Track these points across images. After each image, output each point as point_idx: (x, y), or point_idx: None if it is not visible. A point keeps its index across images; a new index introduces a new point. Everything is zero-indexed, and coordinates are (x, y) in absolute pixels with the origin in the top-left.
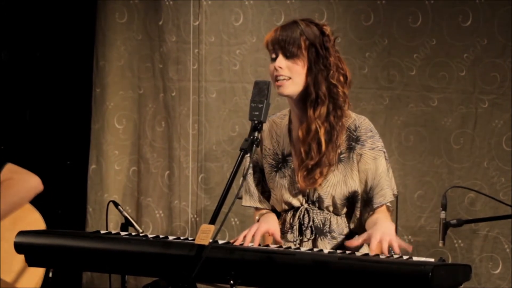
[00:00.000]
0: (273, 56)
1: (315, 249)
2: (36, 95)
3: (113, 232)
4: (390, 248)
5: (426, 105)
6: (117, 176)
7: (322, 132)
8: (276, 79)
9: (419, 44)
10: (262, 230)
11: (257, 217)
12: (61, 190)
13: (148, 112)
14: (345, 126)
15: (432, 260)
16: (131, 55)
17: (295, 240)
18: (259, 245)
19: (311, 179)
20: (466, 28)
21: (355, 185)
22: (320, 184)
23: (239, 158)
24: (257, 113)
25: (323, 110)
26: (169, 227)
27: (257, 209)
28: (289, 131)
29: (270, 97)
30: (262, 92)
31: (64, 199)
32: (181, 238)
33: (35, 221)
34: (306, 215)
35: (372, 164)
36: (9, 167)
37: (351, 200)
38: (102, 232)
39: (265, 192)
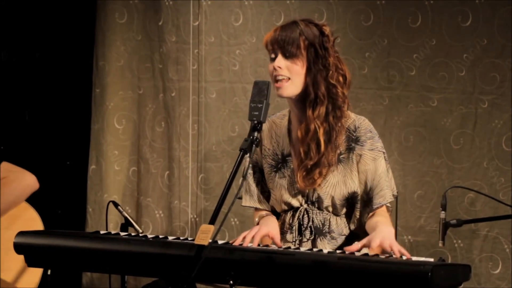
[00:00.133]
0: (272, 56)
1: (314, 249)
2: (36, 96)
3: (113, 232)
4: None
5: (426, 105)
6: (117, 176)
7: (321, 133)
8: (275, 79)
9: (418, 45)
10: (262, 233)
11: (256, 219)
12: (61, 190)
13: (148, 112)
14: (345, 126)
15: (432, 260)
16: (131, 56)
17: (294, 240)
18: (259, 245)
19: (310, 180)
20: (466, 28)
21: (354, 185)
22: (320, 185)
23: (239, 158)
24: (256, 113)
25: (322, 110)
26: (168, 227)
27: (256, 209)
28: (289, 131)
29: (270, 97)
30: (261, 92)
31: (63, 199)
32: (181, 238)
33: (32, 218)
34: (305, 216)
35: (372, 165)
36: (4, 166)
37: (350, 200)
38: (101, 232)
39: (264, 192)
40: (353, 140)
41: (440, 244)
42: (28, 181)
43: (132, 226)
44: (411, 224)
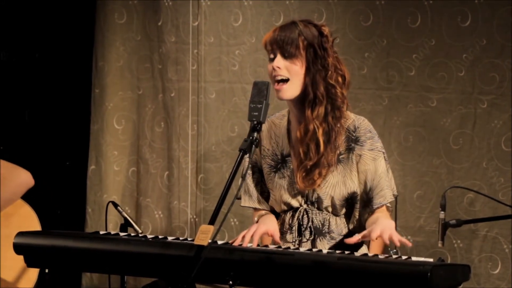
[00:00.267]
0: (271, 56)
1: (314, 250)
2: (35, 96)
3: (112, 232)
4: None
5: (425, 105)
6: (116, 177)
7: (320, 133)
8: (274, 79)
9: (418, 45)
10: (261, 231)
11: (256, 218)
12: (60, 191)
13: (147, 112)
14: (344, 127)
15: (431, 260)
16: (130, 56)
17: (294, 240)
18: (258, 245)
19: (310, 180)
20: (465, 28)
21: (354, 186)
22: (319, 185)
23: (238, 159)
24: (256, 113)
25: (321, 110)
26: (168, 228)
27: (256, 209)
28: (288, 131)
29: (269, 97)
30: (261, 92)
31: (63, 200)
32: (180, 238)
33: (27, 215)
34: (305, 216)
35: (372, 165)
36: None
37: (350, 201)
38: (101, 232)
39: (264, 193)
40: (353, 140)
41: (440, 244)
42: (23, 178)
43: (132, 226)
44: (411, 224)
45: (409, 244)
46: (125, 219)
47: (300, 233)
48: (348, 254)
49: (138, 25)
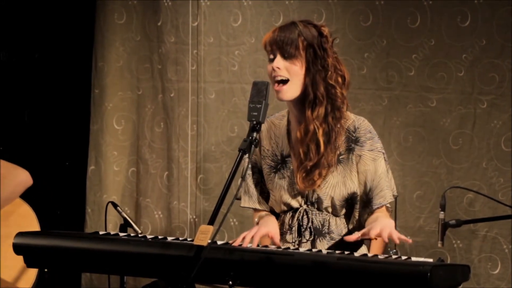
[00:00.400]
0: (271, 56)
1: (314, 250)
2: (35, 96)
3: (112, 233)
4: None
5: (425, 105)
6: (116, 177)
7: (320, 133)
8: (274, 79)
9: (417, 45)
10: (261, 233)
11: (256, 219)
12: (60, 191)
13: (147, 113)
14: (344, 127)
15: (431, 260)
16: (130, 56)
17: (294, 241)
18: (258, 245)
19: (310, 181)
20: (465, 28)
21: (354, 186)
22: (319, 186)
23: (238, 159)
24: (255, 113)
25: (321, 111)
26: (168, 228)
27: (256, 210)
28: (288, 132)
29: (269, 97)
30: (260, 92)
31: (63, 200)
32: (180, 238)
33: (26, 214)
34: (305, 216)
35: (372, 165)
36: None
37: (350, 201)
38: (101, 233)
39: (264, 193)
40: (353, 141)
41: (439, 245)
42: (22, 177)
43: (131, 226)
44: (410, 224)
45: (409, 240)
46: (125, 219)
47: (300, 234)
48: (347, 254)
49: (137, 26)
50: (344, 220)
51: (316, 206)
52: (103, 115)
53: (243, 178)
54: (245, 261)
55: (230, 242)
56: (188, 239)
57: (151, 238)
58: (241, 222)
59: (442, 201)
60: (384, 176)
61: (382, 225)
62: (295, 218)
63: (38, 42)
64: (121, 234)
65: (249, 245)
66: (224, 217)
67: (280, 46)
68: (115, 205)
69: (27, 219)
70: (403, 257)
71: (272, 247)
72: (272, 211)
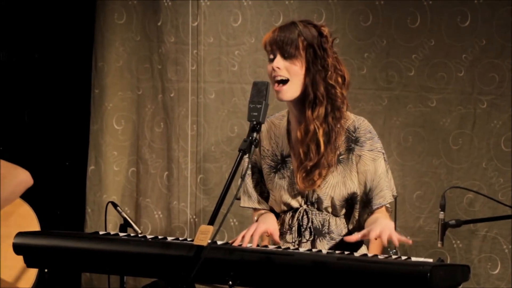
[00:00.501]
0: (271, 56)
1: (313, 250)
2: (35, 96)
3: (112, 233)
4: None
5: (425, 105)
6: (116, 177)
7: (320, 133)
8: (274, 79)
9: (417, 45)
10: (260, 230)
11: (255, 218)
12: (60, 191)
13: (147, 113)
14: (344, 127)
15: (431, 260)
16: (130, 56)
17: (294, 241)
18: (258, 245)
19: (310, 181)
20: (465, 28)
21: (354, 186)
22: (319, 186)
23: (238, 159)
24: (255, 113)
25: (321, 111)
26: (168, 228)
27: (255, 210)
28: (288, 132)
29: (269, 97)
30: (260, 93)
31: (63, 200)
32: (180, 238)
33: (26, 214)
34: (305, 216)
35: (371, 166)
36: None
37: (350, 201)
38: (101, 233)
39: (263, 193)
40: (353, 141)
41: (439, 245)
42: (22, 177)
43: (131, 226)
44: (410, 224)
45: (409, 241)
46: (125, 219)
47: (300, 234)
48: (347, 254)
49: (137, 26)
50: (344, 220)
51: (316, 206)
52: (103, 115)
53: (243, 178)
54: (245, 261)
55: (230, 242)
56: (188, 239)
57: (151, 238)
58: (241, 222)
59: (442, 201)
60: (384, 176)
61: (381, 226)
62: (295, 218)
63: (38, 42)
64: (121, 234)
65: (249, 245)
66: (224, 217)
67: (280, 46)
68: (115, 205)
69: (27, 220)
70: (403, 257)
71: (272, 247)
72: (272, 211)
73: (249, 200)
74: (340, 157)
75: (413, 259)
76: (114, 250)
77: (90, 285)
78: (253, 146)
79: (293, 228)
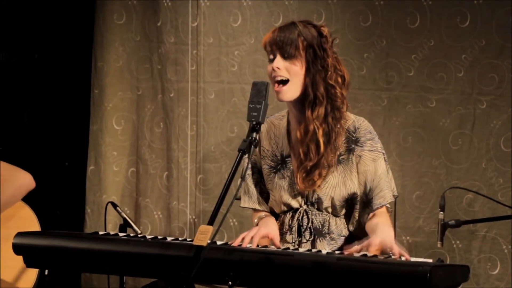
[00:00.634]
0: (271, 57)
1: (313, 250)
2: (35, 96)
3: (112, 233)
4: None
5: (424, 106)
6: (116, 177)
7: (320, 134)
8: (274, 80)
9: (417, 45)
10: (261, 234)
11: (255, 220)
12: (60, 191)
13: (147, 113)
14: (344, 128)
15: (431, 260)
16: (130, 56)
17: (293, 241)
18: (258, 246)
19: (310, 181)
20: (464, 29)
21: (354, 186)
22: (319, 186)
23: (237, 159)
24: (255, 114)
25: (321, 111)
26: (167, 228)
27: (255, 210)
28: (288, 132)
29: (268, 98)
30: (260, 93)
31: (62, 200)
32: (180, 239)
33: (27, 216)
34: (305, 217)
35: (372, 166)
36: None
37: (350, 201)
38: (100, 233)
39: (263, 193)
40: (353, 141)
41: (439, 245)
42: (24, 180)
43: (131, 227)
44: (410, 224)
45: (409, 258)
46: (124, 219)
47: (299, 234)
48: (347, 254)
49: (137, 26)
50: (344, 221)
51: (316, 206)
52: (103, 115)
53: (243, 178)
54: (244, 261)
55: (230, 242)
56: (188, 239)
57: (151, 238)
58: (241, 222)
59: (441, 202)
60: (384, 177)
61: (381, 238)
62: (295, 219)
63: (37, 42)
64: (121, 234)
65: (248, 246)
66: (224, 217)
67: (280, 47)
68: (114, 205)
69: (28, 222)
70: (403, 258)
71: (272, 248)
72: (272, 212)
73: (249, 200)
74: (340, 158)
75: (413, 259)
76: (113, 250)
77: (90, 285)
78: (252, 146)
79: (293, 229)
